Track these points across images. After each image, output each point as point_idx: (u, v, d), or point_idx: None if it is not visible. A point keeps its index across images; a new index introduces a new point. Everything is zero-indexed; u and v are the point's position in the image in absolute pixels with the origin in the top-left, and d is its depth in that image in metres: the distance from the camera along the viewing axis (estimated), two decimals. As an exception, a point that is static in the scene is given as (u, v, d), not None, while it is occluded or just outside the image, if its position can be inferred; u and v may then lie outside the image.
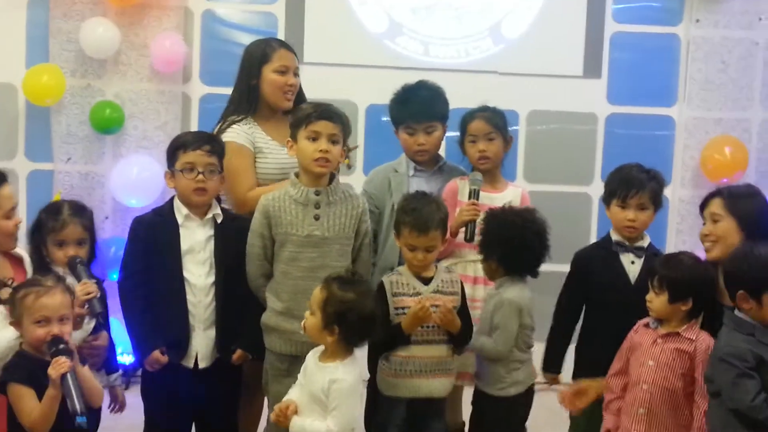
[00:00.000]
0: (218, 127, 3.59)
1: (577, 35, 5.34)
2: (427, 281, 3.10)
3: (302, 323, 2.80)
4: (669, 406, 3.00)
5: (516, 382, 3.22)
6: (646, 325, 3.08)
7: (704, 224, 3.22)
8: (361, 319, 2.73)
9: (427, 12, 5.24)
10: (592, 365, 3.35)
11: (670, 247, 5.10)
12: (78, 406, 2.51)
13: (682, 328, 3.01)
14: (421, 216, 3.01)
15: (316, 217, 3.09)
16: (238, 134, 3.49)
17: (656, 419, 3.01)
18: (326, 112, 3.09)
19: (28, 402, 2.58)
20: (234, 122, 3.54)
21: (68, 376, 2.54)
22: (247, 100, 3.60)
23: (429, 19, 5.25)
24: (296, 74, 3.64)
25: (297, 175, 3.14)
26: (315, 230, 3.09)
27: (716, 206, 3.16)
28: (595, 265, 3.40)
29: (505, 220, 3.26)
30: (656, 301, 3.00)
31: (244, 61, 3.66)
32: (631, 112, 5.43)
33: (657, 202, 3.37)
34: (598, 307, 3.40)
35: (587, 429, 3.39)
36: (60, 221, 3.08)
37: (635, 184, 3.31)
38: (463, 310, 3.17)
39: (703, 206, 3.24)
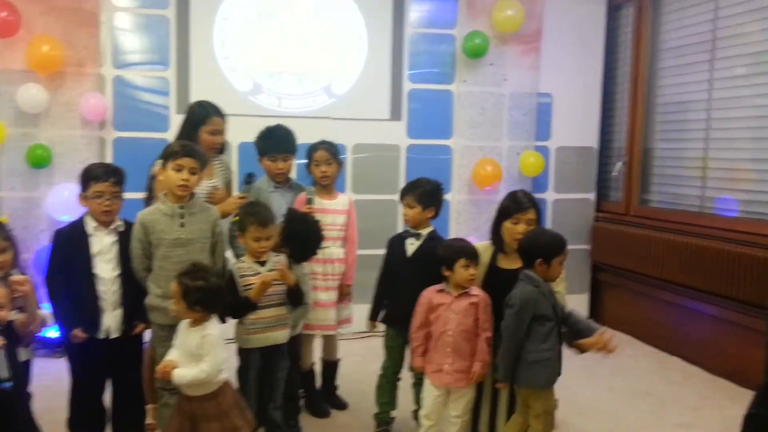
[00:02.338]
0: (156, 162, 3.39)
1: (384, 91, 5.34)
2: (263, 264, 3.08)
3: (170, 309, 2.75)
4: (465, 341, 3.05)
5: None
6: (440, 291, 3.08)
7: (515, 223, 3.08)
8: (213, 295, 2.71)
9: (279, 76, 5.14)
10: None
11: (453, 234, 5.19)
12: (4, 373, 2.44)
13: (470, 289, 3.06)
14: (262, 215, 3.04)
15: (182, 225, 2.98)
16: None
17: (458, 352, 3.05)
18: (189, 150, 2.97)
19: None
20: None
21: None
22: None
23: (281, 81, 5.15)
24: (221, 133, 3.56)
25: (166, 194, 3.02)
26: (181, 234, 2.98)
27: (533, 215, 3.11)
28: (393, 246, 3.48)
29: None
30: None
31: (187, 117, 3.55)
32: (423, 143, 5.44)
33: (424, 203, 3.39)
34: (393, 276, 3.45)
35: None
36: None
37: (406, 188, 3.45)
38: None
39: (519, 210, 3.10)
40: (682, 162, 5.11)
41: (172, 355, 2.76)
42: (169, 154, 2.96)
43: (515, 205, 3.13)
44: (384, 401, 3.48)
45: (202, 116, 3.50)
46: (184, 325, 2.75)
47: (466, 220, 5.45)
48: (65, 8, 4.63)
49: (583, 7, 5.62)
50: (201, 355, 2.66)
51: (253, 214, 3.05)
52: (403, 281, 3.32)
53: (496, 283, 3.12)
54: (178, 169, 2.93)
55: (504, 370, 2.91)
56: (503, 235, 3.15)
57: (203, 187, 3.38)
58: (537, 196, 5.39)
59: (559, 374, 2.95)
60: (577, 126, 5.72)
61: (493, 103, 5.48)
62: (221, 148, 3.64)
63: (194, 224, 3.00)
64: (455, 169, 5.47)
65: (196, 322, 2.72)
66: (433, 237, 3.40)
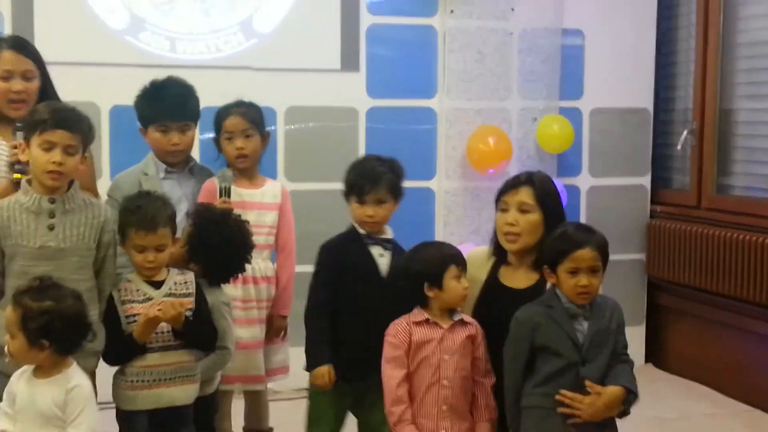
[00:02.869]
0: None
1: (332, 28, 5.37)
2: (159, 285, 3.07)
3: (5, 350, 2.69)
4: (463, 393, 3.07)
5: None
6: (421, 322, 3.08)
7: (504, 211, 3.19)
8: (68, 324, 2.66)
9: (171, 6, 5.14)
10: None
11: (439, 239, 5.13)
12: None
13: (460, 315, 3.10)
14: (147, 213, 3.00)
15: (51, 227, 2.97)
16: None
17: (456, 410, 3.06)
18: (64, 120, 2.94)
19: None
20: None
21: None
22: None
23: (173, 14, 5.15)
24: (28, 77, 3.44)
25: (29, 182, 3.00)
26: (49, 241, 2.96)
27: (526, 195, 3.16)
28: (348, 256, 3.41)
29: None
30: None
31: None
32: (391, 105, 5.49)
33: (396, 194, 3.42)
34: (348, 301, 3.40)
35: None
36: None
37: (372, 178, 3.35)
38: (202, 311, 3.14)
39: (506, 190, 3.22)
40: (777, 128, 5.21)
41: (6, 421, 2.71)
42: (33, 124, 2.95)
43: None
44: None
45: None
46: (24, 377, 2.71)
47: (460, 218, 5.47)
48: None
49: None
50: (62, 419, 2.64)
51: (134, 210, 3.04)
52: (369, 312, 3.27)
53: (500, 306, 3.13)
54: (48, 148, 2.91)
55: (509, 420, 3.02)
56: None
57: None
58: (565, 181, 5.60)
59: None
60: (621, 79, 5.79)
61: (496, 44, 5.53)
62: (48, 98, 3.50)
63: (70, 227, 3.00)
64: (441, 142, 5.51)
65: (44, 371, 2.68)
66: (396, 246, 3.42)
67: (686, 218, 5.64)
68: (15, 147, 3.16)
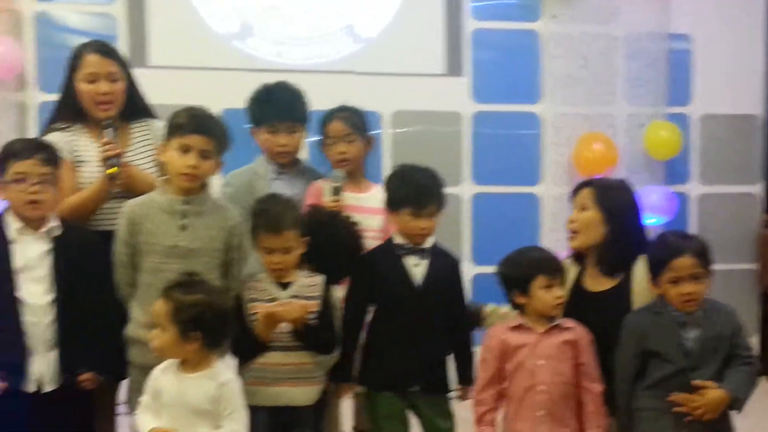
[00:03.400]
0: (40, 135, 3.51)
1: (436, 33, 5.41)
2: (286, 286, 3.12)
3: (152, 345, 2.74)
4: (563, 399, 3.06)
5: None
6: (515, 327, 3.10)
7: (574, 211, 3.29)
8: (218, 317, 2.73)
9: (277, 12, 5.24)
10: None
11: (543, 245, 5.14)
12: None
13: (560, 321, 3.08)
14: (272, 216, 3.06)
15: (183, 227, 3.06)
16: (54, 143, 3.36)
17: (555, 416, 3.05)
18: (200, 125, 3.04)
19: None
20: (55, 130, 3.45)
21: None
22: (68, 109, 3.50)
23: (279, 20, 5.25)
24: (113, 80, 3.48)
25: (165, 182, 3.11)
26: (180, 241, 3.05)
27: (585, 195, 3.24)
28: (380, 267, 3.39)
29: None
30: None
31: (65, 71, 3.54)
32: (496, 110, 5.51)
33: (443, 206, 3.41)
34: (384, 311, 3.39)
35: None
36: None
37: (430, 193, 3.33)
38: (325, 315, 3.17)
39: (573, 194, 3.31)
40: None
41: (151, 421, 2.75)
42: (173, 128, 3.05)
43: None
44: None
45: (72, 59, 3.51)
46: (169, 372, 2.76)
47: (565, 225, 5.44)
48: None
49: None
50: (212, 413, 2.70)
51: (261, 213, 3.10)
52: (405, 323, 3.25)
53: (580, 309, 3.17)
54: (185, 150, 3.00)
55: (619, 420, 3.09)
56: None
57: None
58: (674, 188, 5.54)
59: None
60: (731, 84, 5.73)
61: (601, 49, 5.53)
62: (135, 102, 3.59)
63: (201, 229, 3.08)
64: (546, 148, 5.52)
65: (192, 365, 2.74)
66: (439, 251, 3.39)
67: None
68: (106, 144, 3.26)
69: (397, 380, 3.26)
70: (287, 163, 3.72)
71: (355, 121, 3.72)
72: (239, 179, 3.72)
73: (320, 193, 3.58)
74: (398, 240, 3.35)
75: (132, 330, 3.09)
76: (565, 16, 5.49)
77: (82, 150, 3.42)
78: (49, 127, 3.50)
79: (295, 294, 3.10)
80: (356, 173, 3.74)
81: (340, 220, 3.40)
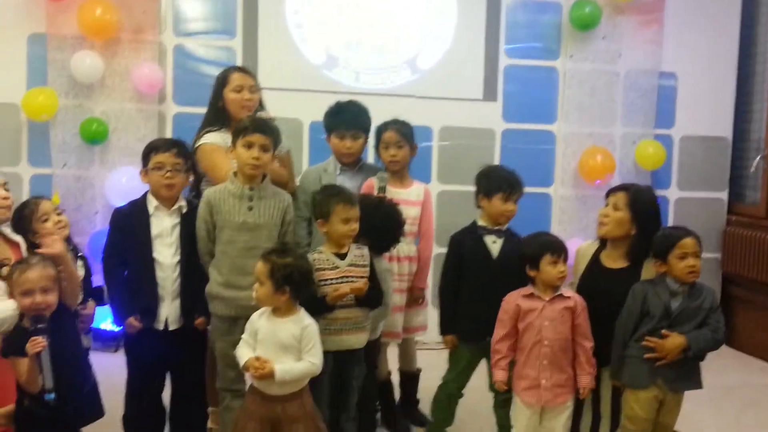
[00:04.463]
0: (196, 137, 3.56)
1: (477, 67, 5.39)
2: (342, 257, 3.13)
3: (253, 294, 2.78)
4: (562, 352, 3.08)
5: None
6: (527, 295, 3.11)
7: (606, 206, 3.25)
8: (302, 275, 2.77)
9: (357, 48, 5.25)
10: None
11: (553, 233, 5.12)
12: (48, 384, 2.50)
13: (562, 291, 3.10)
14: (347, 194, 3.13)
15: (250, 208, 3.09)
16: (212, 138, 3.48)
17: (555, 364, 3.08)
18: (260, 126, 3.08)
19: (20, 368, 2.56)
20: (209, 131, 3.53)
21: (42, 354, 2.50)
22: (217, 117, 3.57)
23: (359, 53, 5.26)
24: (253, 91, 3.58)
25: (235, 174, 3.13)
26: (248, 218, 3.08)
27: (620, 198, 3.20)
28: (466, 245, 3.43)
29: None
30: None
31: (213, 88, 3.63)
32: (521, 128, 5.47)
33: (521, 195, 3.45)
34: (468, 280, 3.42)
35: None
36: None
37: (518, 183, 3.40)
38: (372, 279, 3.19)
39: (609, 193, 3.28)
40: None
41: (247, 352, 2.79)
42: (238, 131, 3.09)
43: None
44: (441, 417, 3.53)
45: (222, 77, 3.60)
46: (264, 316, 2.81)
47: (571, 218, 5.44)
48: (123, -32, 4.90)
49: (717, -30, 5.58)
50: (296, 348, 2.75)
51: (336, 194, 3.12)
52: (485, 287, 3.30)
53: (600, 280, 3.21)
54: (248, 146, 3.04)
55: (611, 366, 3.12)
56: None
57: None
58: (657, 193, 5.41)
59: (653, 381, 3.02)
60: (706, 112, 5.63)
61: (606, 82, 5.46)
62: (258, 109, 3.62)
63: (264, 209, 3.11)
64: (559, 158, 5.47)
65: (282, 311, 2.78)
66: (511, 234, 3.43)
67: (756, 227, 5.43)
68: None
69: (473, 331, 3.32)
70: (350, 163, 3.75)
71: (404, 132, 3.74)
72: (311, 174, 3.78)
73: (372, 186, 3.62)
74: (481, 223, 3.41)
75: (211, 288, 3.11)
76: (579, 56, 5.42)
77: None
78: (205, 129, 3.57)
79: (352, 263, 3.12)
80: (402, 173, 3.76)
81: (385, 203, 3.42)
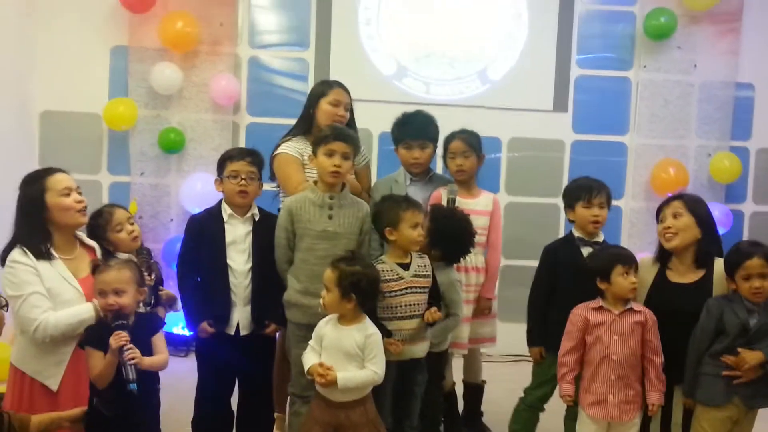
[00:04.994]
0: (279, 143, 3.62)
1: (548, 78, 5.36)
2: (406, 267, 3.10)
3: (321, 301, 2.79)
4: (631, 368, 3.03)
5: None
6: (597, 308, 3.06)
7: (662, 222, 3.16)
8: (370, 284, 2.78)
9: (427, 59, 5.27)
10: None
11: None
12: (131, 375, 2.50)
13: (632, 305, 3.05)
14: (412, 200, 3.13)
15: (330, 217, 3.10)
16: (288, 148, 3.52)
17: (623, 380, 3.02)
18: (341, 134, 3.10)
19: (93, 361, 2.58)
20: (286, 140, 3.57)
21: (124, 348, 2.51)
22: (304, 123, 3.62)
23: (429, 65, 5.28)
24: (347, 109, 3.61)
25: (315, 182, 3.16)
26: (328, 227, 3.09)
27: (677, 206, 3.14)
28: (561, 255, 3.40)
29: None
30: None
31: (309, 95, 3.69)
32: (591, 139, 5.41)
33: (610, 202, 3.41)
34: (563, 291, 3.37)
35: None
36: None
37: (595, 187, 3.37)
38: (433, 288, 3.17)
39: (661, 209, 3.20)
40: None
41: (313, 359, 2.81)
42: (319, 139, 3.11)
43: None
44: (518, 428, 3.48)
45: (321, 88, 3.61)
46: (330, 323, 2.81)
47: (642, 231, 5.34)
48: (202, -17, 5.03)
49: (798, -21, 5.42)
50: (359, 356, 2.74)
51: (402, 200, 3.11)
52: (579, 299, 3.16)
53: (669, 298, 3.12)
54: (330, 155, 3.05)
55: (685, 383, 3.05)
56: None
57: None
58: (732, 207, 5.34)
59: (729, 400, 2.94)
60: (784, 125, 5.48)
61: (680, 94, 5.36)
62: (348, 125, 3.57)
63: (343, 217, 3.12)
64: (630, 171, 5.40)
65: (347, 319, 2.79)
66: (608, 245, 3.36)
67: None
68: None
69: None
70: (420, 173, 3.75)
71: (472, 141, 3.71)
72: (382, 185, 3.77)
73: (440, 197, 3.59)
74: (577, 234, 3.39)
75: (289, 295, 3.13)
76: (652, 66, 5.33)
77: (307, 156, 3.45)
78: (287, 136, 3.62)
79: (415, 273, 3.09)
80: (470, 182, 3.74)
81: (457, 214, 3.38)
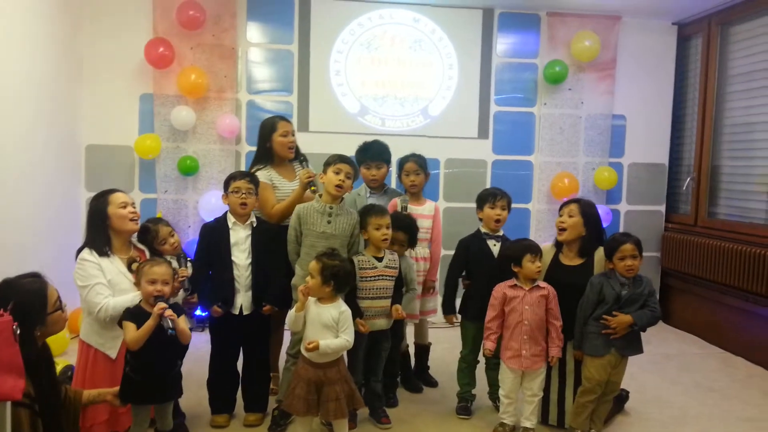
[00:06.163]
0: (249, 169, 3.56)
1: (473, 113, 5.37)
2: (380, 260, 3.12)
3: (305, 285, 2.78)
4: (538, 329, 3.07)
5: None
6: (512, 286, 3.10)
7: (560, 216, 3.21)
8: (345, 274, 2.79)
9: (383, 100, 5.26)
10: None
11: (531, 238, 5.08)
12: (169, 325, 2.53)
13: (538, 283, 3.09)
14: (379, 207, 3.16)
15: (329, 222, 3.11)
16: (263, 177, 3.45)
17: (533, 339, 3.07)
18: (346, 159, 3.15)
19: (128, 330, 2.58)
20: (258, 170, 3.51)
21: (165, 315, 2.54)
22: (265, 156, 3.55)
23: (384, 105, 5.26)
24: (293, 134, 3.56)
25: (320, 195, 3.16)
26: (327, 229, 3.10)
27: (573, 208, 3.19)
28: (471, 246, 3.42)
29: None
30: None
31: (261, 130, 3.59)
32: (506, 159, 5.43)
33: (510, 206, 3.42)
34: (475, 274, 3.41)
35: (473, 348, 3.44)
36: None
37: (499, 193, 3.40)
38: (399, 279, 3.19)
39: (563, 206, 3.24)
40: (748, 178, 4.88)
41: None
42: (328, 163, 3.14)
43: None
44: (465, 382, 3.50)
45: (271, 122, 3.51)
46: (312, 304, 2.81)
47: (545, 227, 5.40)
48: (209, 44, 4.95)
49: (655, 38, 5.49)
50: (334, 327, 2.75)
51: (370, 208, 3.15)
52: (487, 279, 3.25)
53: (560, 276, 3.18)
54: (337, 172, 3.09)
55: (574, 340, 3.10)
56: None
57: (286, 189, 3.43)
58: (611, 207, 5.42)
59: (607, 351, 3.00)
60: (648, 144, 5.57)
61: (571, 123, 5.42)
62: (297, 151, 3.55)
63: (339, 223, 3.13)
64: (536, 182, 5.44)
65: (326, 300, 2.79)
66: (506, 239, 3.41)
67: (687, 232, 5.37)
68: (309, 173, 3.30)
69: (480, 313, 3.25)
70: (376, 187, 3.74)
71: (421, 163, 3.72)
72: (349, 197, 3.70)
73: (396, 205, 3.59)
74: (484, 229, 3.40)
75: (296, 280, 3.13)
76: (551, 104, 5.38)
77: (275, 180, 3.48)
78: (254, 166, 3.56)
79: (387, 264, 3.11)
80: (418, 194, 3.74)
81: (405, 215, 3.44)
